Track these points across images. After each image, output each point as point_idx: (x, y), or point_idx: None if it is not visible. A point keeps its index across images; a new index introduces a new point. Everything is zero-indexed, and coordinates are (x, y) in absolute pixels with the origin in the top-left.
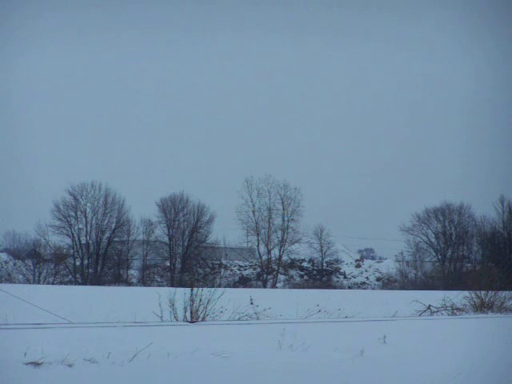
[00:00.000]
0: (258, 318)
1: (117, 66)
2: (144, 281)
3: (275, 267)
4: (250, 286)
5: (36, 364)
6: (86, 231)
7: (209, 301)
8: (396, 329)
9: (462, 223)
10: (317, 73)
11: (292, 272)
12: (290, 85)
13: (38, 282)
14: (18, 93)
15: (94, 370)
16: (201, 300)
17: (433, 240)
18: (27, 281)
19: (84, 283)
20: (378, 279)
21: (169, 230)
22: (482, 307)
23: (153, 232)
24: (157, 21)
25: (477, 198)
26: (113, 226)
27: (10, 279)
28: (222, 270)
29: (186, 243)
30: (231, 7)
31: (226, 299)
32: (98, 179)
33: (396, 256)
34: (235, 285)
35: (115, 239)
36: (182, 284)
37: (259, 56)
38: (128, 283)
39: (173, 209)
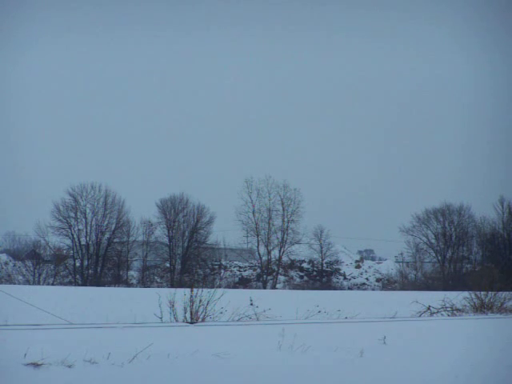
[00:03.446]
0: (257, 319)
1: (117, 67)
2: (144, 282)
3: (275, 268)
4: (250, 287)
5: (36, 365)
6: (86, 232)
7: (209, 302)
8: (396, 329)
9: (462, 224)
10: (317, 73)
11: (292, 273)
12: (290, 85)
13: (38, 283)
14: (17, 93)
15: (94, 371)
16: (201, 301)
17: (433, 241)
18: (27, 282)
19: (84, 284)
20: (377, 280)
21: (169, 230)
22: (481, 308)
23: (153, 233)
24: (157, 21)
25: (476, 198)
26: (113, 226)
27: (9, 280)
28: (222, 270)
29: (185, 244)
30: (232, 7)
31: (226, 300)
32: (97, 180)
33: (396, 257)
34: (235, 286)
35: (115, 240)
36: (181, 285)
37: (259, 57)
38: (128, 284)
39: (173, 210)
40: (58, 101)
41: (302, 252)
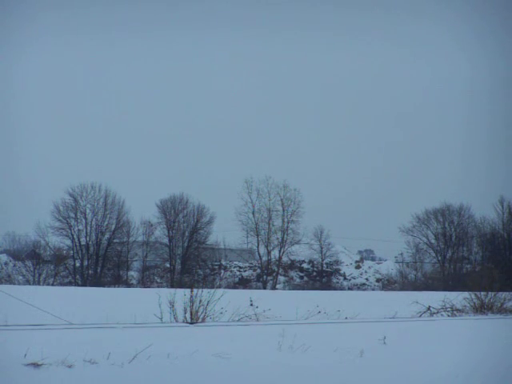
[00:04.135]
0: (257, 319)
1: (117, 67)
2: (144, 282)
3: (275, 268)
4: (250, 287)
5: (36, 365)
6: (86, 232)
7: (208, 302)
8: (396, 330)
9: (462, 224)
10: (317, 73)
11: (292, 273)
12: (291, 86)
13: (38, 283)
14: (16, 93)
15: (94, 371)
16: (201, 301)
17: (433, 241)
18: (27, 282)
19: (84, 284)
20: (377, 280)
21: (169, 231)
22: (481, 308)
23: (153, 233)
24: (157, 21)
25: (476, 198)
26: (113, 227)
27: (9, 280)
28: (222, 271)
29: (185, 244)
30: (231, 7)
31: (226, 300)
32: (97, 180)
33: (396, 257)
34: (235, 286)
35: (115, 240)
36: (181, 285)
37: (259, 57)
38: (128, 284)
39: (173, 210)
40: (57, 101)
41: (301, 252)
